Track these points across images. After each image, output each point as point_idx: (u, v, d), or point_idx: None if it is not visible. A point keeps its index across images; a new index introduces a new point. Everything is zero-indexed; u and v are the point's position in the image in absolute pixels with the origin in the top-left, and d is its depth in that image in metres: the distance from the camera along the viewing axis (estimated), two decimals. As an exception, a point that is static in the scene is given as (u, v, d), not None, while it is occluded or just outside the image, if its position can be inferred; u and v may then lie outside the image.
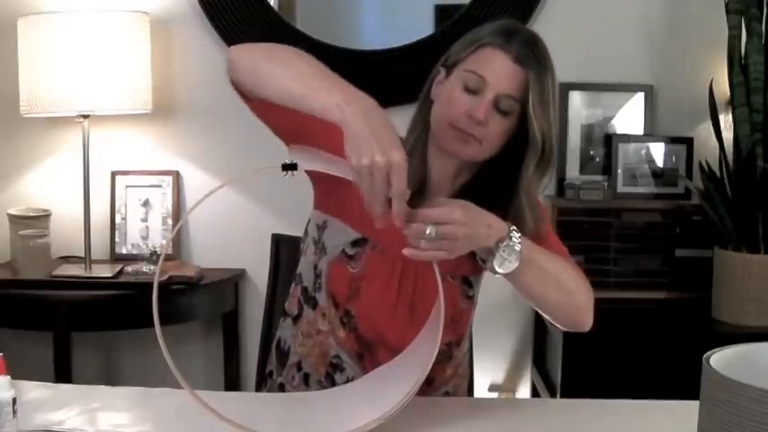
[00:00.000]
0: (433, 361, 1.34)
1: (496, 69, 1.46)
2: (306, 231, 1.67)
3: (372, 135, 1.23)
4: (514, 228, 1.40)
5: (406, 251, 1.33)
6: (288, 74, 1.36)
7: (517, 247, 1.38)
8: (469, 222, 1.34)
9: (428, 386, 1.63)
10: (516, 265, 1.39)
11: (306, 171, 1.53)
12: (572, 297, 1.50)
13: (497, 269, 1.39)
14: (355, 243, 1.57)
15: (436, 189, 1.58)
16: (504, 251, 1.38)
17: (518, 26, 1.53)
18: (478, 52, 1.48)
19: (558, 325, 1.56)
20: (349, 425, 1.32)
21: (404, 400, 1.32)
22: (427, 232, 1.30)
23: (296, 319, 1.65)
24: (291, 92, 1.34)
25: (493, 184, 1.54)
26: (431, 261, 1.35)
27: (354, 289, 1.57)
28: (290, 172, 1.26)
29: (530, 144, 1.47)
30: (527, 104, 1.46)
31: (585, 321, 1.53)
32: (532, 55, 1.47)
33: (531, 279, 1.44)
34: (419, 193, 1.55)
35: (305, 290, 1.64)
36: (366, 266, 1.56)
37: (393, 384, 1.38)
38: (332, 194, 1.58)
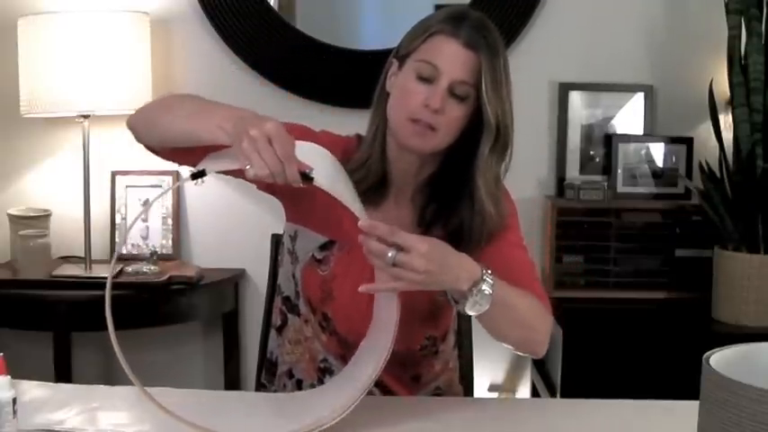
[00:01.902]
0: (387, 357, 1.35)
1: (448, 56, 1.47)
2: (282, 243, 1.69)
3: (245, 123, 1.28)
4: (487, 270, 1.38)
5: (361, 288, 1.35)
6: (177, 118, 1.43)
7: (489, 291, 1.37)
8: (434, 258, 1.32)
9: (417, 383, 1.64)
10: (487, 307, 1.38)
11: (270, 191, 1.55)
12: (532, 333, 1.50)
13: (468, 311, 1.39)
14: (323, 247, 1.59)
15: (399, 184, 1.58)
16: (476, 295, 1.37)
17: (466, 11, 1.53)
18: (429, 41, 1.49)
19: (511, 349, 1.57)
20: (305, 421, 1.33)
21: (358, 397, 1.34)
22: (389, 255, 1.30)
23: (280, 329, 1.67)
24: (186, 132, 1.41)
25: (456, 174, 1.54)
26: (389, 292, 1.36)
27: (327, 291, 1.58)
28: (199, 180, 1.32)
29: (484, 128, 1.48)
30: (479, 88, 1.46)
31: (540, 351, 1.53)
32: (483, 39, 1.47)
33: (498, 319, 1.44)
34: (381, 188, 1.56)
35: (287, 299, 1.65)
36: (335, 267, 1.57)
37: (357, 380, 1.40)
38: (297, 205, 1.60)
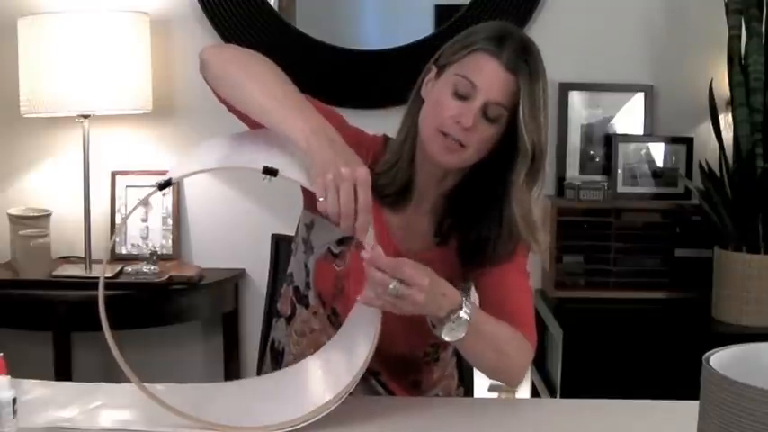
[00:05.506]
0: (372, 351, 1.36)
1: (487, 76, 1.45)
2: (296, 231, 1.68)
3: (337, 155, 1.29)
4: (466, 298, 1.40)
5: (359, 298, 1.35)
6: (258, 89, 1.40)
7: (466, 318, 1.38)
8: (431, 291, 1.34)
9: (415, 389, 1.65)
10: (463, 335, 1.39)
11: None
12: (508, 363, 1.50)
13: (444, 337, 1.40)
14: (340, 241, 1.58)
15: (422, 192, 1.58)
16: (453, 322, 1.38)
17: (511, 31, 1.51)
18: (471, 57, 1.47)
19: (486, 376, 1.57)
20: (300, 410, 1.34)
21: (346, 390, 1.35)
22: (391, 287, 1.30)
23: (289, 319, 1.67)
24: (260, 109, 1.39)
25: (480, 190, 1.54)
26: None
27: (339, 287, 1.58)
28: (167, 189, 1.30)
29: (519, 153, 1.47)
30: (517, 113, 1.45)
31: (516, 382, 1.54)
32: (524, 63, 1.46)
33: (474, 346, 1.45)
34: (405, 193, 1.56)
35: (297, 289, 1.65)
36: (350, 264, 1.56)
37: (343, 365, 1.41)
38: None
